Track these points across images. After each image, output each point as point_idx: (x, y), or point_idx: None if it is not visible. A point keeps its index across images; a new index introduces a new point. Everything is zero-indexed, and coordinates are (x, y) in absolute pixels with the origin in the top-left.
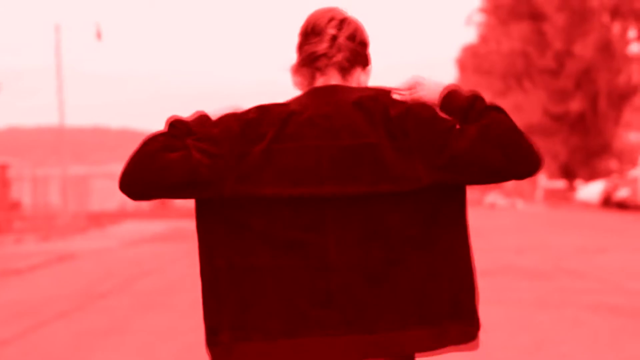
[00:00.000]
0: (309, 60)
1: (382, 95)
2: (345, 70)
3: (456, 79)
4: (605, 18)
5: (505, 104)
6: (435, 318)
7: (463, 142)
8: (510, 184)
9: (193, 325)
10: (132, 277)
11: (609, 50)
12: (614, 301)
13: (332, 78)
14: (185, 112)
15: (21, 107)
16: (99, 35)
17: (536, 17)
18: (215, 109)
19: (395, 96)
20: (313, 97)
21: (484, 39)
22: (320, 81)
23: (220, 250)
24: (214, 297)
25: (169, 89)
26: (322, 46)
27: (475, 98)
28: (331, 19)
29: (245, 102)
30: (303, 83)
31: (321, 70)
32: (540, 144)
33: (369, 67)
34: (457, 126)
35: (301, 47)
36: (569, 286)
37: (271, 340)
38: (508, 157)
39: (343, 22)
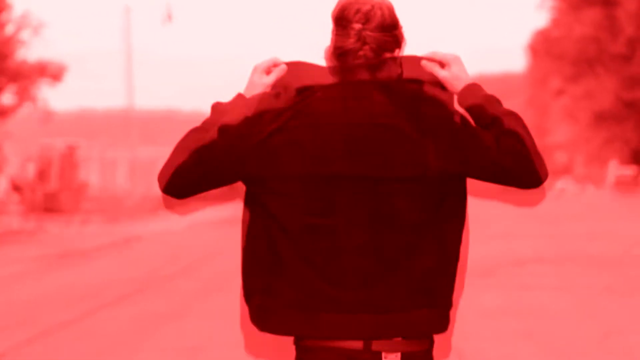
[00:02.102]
0: (337, 55)
1: (410, 80)
2: (374, 66)
3: (528, 64)
4: None
5: (576, 89)
6: (439, 300)
7: (479, 140)
8: (581, 170)
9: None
10: (197, 260)
11: None
12: None
13: (360, 73)
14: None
15: (91, 90)
16: (169, 17)
17: (608, 2)
18: (255, 68)
19: (423, 62)
20: (340, 85)
21: (555, 23)
22: (349, 75)
23: (252, 228)
24: (249, 264)
25: (243, 73)
26: (349, 41)
27: (495, 100)
28: (357, 11)
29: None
30: (334, 75)
31: (348, 63)
32: (612, 129)
33: (399, 50)
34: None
35: (333, 32)
36: (637, 273)
37: (292, 311)
38: (518, 164)
39: (369, 13)
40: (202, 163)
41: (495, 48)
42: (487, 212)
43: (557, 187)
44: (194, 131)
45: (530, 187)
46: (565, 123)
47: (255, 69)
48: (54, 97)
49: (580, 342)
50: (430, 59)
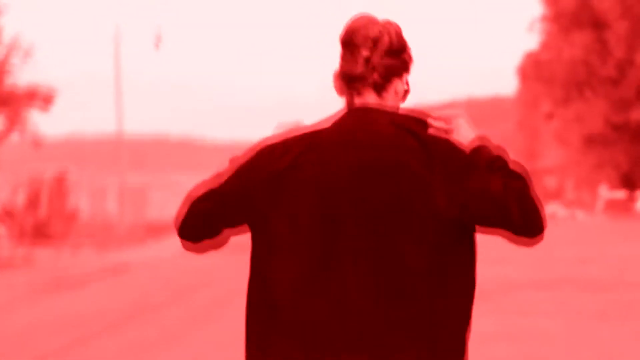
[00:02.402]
0: (346, 80)
1: (416, 118)
2: (380, 87)
3: (518, 87)
4: None
5: (566, 113)
6: (440, 348)
7: (486, 184)
8: (571, 194)
9: (243, 339)
10: (186, 288)
11: None
12: None
13: (368, 97)
14: (249, 123)
15: (81, 116)
16: (158, 42)
17: (598, 25)
18: (278, 126)
19: (430, 121)
20: (347, 117)
21: (545, 46)
22: (357, 101)
23: (254, 273)
24: (250, 312)
25: (233, 99)
26: (357, 68)
27: (502, 160)
28: (365, 38)
29: (308, 112)
30: (344, 99)
31: (358, 90)
32: (602, 153)
33: (406, 74)
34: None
35: (341, 58)
36: (631, 298)
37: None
38: (524, 216)
39: (377, 40)
40: (213, 202)
41: (486, 71)
42: (479, 237)
43: (547, 212)
44: (207, 180)
45: (531, 235)
46: (555, 147)
47: (278, 126)
48: (44, 123)
49: None
50: (437, 119)
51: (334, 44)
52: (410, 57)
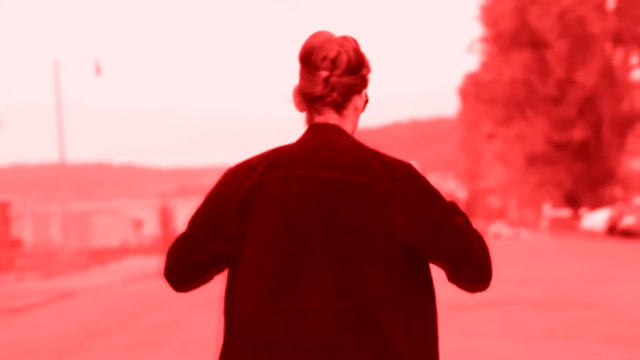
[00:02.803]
0: (305, 99)
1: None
2: (340, 105)
3: (458, 108)
4: (607, 45)
5: (507, 133)
6: None
7: (449, 214)
8: (514, 213)
9: None
10: (133, 314)
11: (611, 77)
12: (626, 332)
13: (328, 115)
14: (191, 149)
15: (24, 145)
16: (98, 71)
17: (537, 44)
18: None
19: None
20: (310, 134)
21: (485, 67)
22: (317, 119)
23: (225, 295)
24: (221, 339)
25: (173, 124)
26: (316, 88)
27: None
28: (324, 58)
29: (250, 136)
30: (304, 116)
31: (317, 110)
32: (544, 172)
33: (365, 90)
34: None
35: (300, 76)
36: (578, 317)
37: None
38: (481, 253)
39: (335, 60)
40: (188, 238)
41: (427, 93)
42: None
43: (491, 231)
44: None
45: (479, 282)
46: (498, 167)
47: None
48: None
49: None
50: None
51: (275, 68)
52: (368, 71)
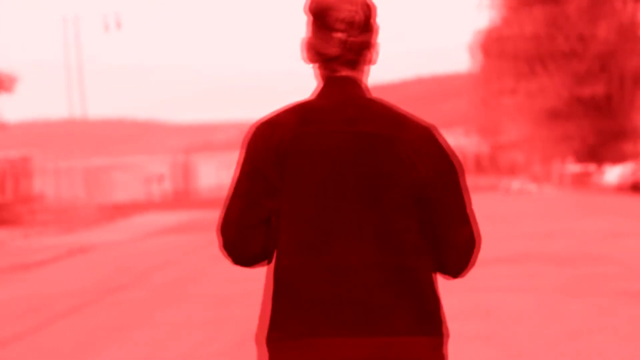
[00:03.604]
0: (321, 58)
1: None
2: (355, 62)
3: (477, 63)
4: (629, 0)
5: (528, 88)
6: (438, 328)
7: (459, 190)
8: (537, 168)
9: (210, 318)
10: (149, 269)
11: (631, 33)
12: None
13: (344, 72)
14: (207, 102)
15: (43, 101)
16: (117, 26)
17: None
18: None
19: None
20: (330, 88)
21: (506, 22)
22: (333, 73)
23: (275, 250)
24: (266, 293)
25: (195, 80)
26: (332, 50)
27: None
28: (338, 20)
29: (273, 91)
30: (316, 70)
31: (333, 68)
32: (565, 127)
33: (377, 45)
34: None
35: (312, 32)
36: (598, 272)
37: (293, 339)
38: (459, 256)
39: (350, 22)
40: (239, 201)
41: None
42: None
43: (513, 187)
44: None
45: (450, 271)
46: (518, 122)
47: None
48: (6, 108)
49: (546, 344)
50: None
51: (297, 20)
52: (377, 23)
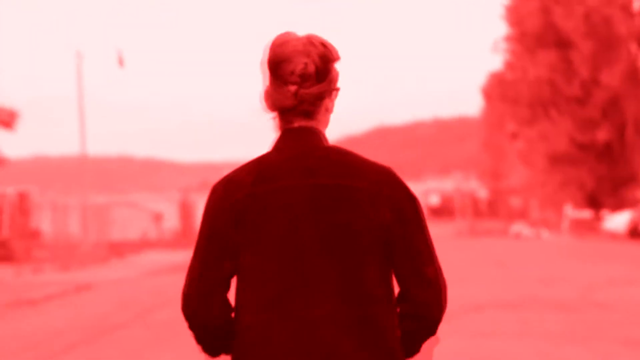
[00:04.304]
0: (277, 110)
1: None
2: (310, 113)
3: (482, 107)
4: (633, 46)
5: (531, 132)
6: None
7: (423, 232)
8: (536, 213)
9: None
10: (149, 308)
11: (636, 78)
12: None
13: (300, 122)
14: (212, 141)
15: (45, 137)
16: (120, 62)
17: (563, 45)
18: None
19: None
20: (286, 140)
21: (510, 66)
22: (289, 125)
23: (237, 309)
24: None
25: (195, 117)
26: (286, 102)
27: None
28: (292, 73)
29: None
30: (275, 122)
31: (288, 119)
32: (567, 173)
33: (336, 92)
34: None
35: (269, 83)
36: (598, 319)
37: None
38: (435, 294)
39: (303, 74)
40: (199, 265)
41: (451, 92)
42: (442, 257)
43: (512, 232)
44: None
45: (428, 311)
46: (521, 167)
47: None
48: (7, 144)
49: None
50: None
51: None
52: (335, 71)
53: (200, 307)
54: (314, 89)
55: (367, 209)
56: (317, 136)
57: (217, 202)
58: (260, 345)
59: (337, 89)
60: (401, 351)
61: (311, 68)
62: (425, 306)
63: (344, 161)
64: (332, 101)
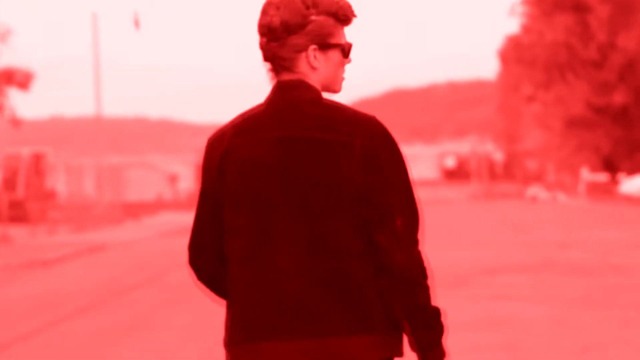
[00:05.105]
0: (264, 59)
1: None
2: (287, 67)
3: (499, 70)
4: None
5: (547, 96)
6: (378, 326)
7: (399, 180)
8: (553, 177)
9: (220, 321)
10: (162, 269)
11: None
12: None
13: (285, 75)
14: (226, 102)
15: (61, 98)
16: (137, 25)
17: (580, 8)
18: None
19: None
20: (273, 93)
21: (527, 30)
22: (279, 77)
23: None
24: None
25: (211, 80)
26: (263, 55)
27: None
28: (260, 26)
29: None
30: (269, 76)
31: (273, 71)
32: (583, 136)
33: (317, 43)
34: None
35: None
36: (616, 283)
37: (239, 344)
38: (401, 248)
39: (269, 25)
40: (198, 220)
41: (467, 54)
42: (457, 220)
43: (529, 194)
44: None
45: (394, 268)
46: (537, 130)
47: None
48: (23, 105)
49: (558, 356)
50: None
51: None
52: (318, 25)
53: (199, 260)
54: (281, 42)
55: (339, 161)
56: (301, 89)
57: (206, 157)
58: (240, 297)
59: (327, 43)
60: (381, 309)
61: (276, 20)
62: (391, 259)
63: (323, 114)
64: (324, 55)
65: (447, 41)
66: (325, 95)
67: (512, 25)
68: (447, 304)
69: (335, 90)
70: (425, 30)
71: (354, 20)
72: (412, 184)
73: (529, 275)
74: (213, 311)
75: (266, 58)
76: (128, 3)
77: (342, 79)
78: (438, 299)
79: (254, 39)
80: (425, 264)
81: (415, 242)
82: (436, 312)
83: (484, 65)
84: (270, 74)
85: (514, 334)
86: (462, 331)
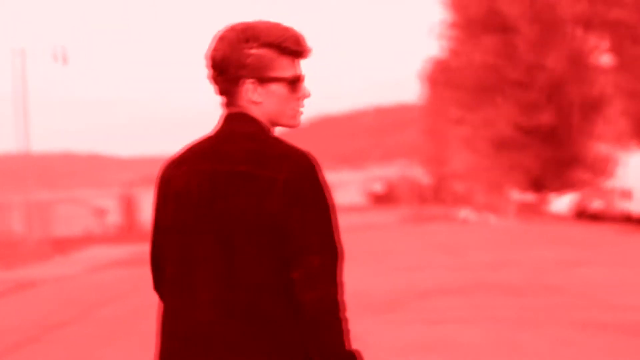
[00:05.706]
0: (214, 91)
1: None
2: (229, 100)
3: (425, 93)
4: (577, 30)
5: (475, 118)
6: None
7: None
8: (482, 198)
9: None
10: (94, 304)
11: (580, 62)
12: (601, 318)
13: (231, 108)
14: (155, 137)
15: None
16: (63, 60)
17: (507, 29)
18: None
19: None
20: (218, 124)
21: (454, 53)
22: (228, 108)
23: None
24: None
25: (137, 113)
26: (214, 86)
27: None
28: (207, 57)
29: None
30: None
31: (223, 104)
32: (511, 157)
33: (255, 79)
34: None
35: None
36: (549, 302)
37: None
38: (311, 283)
39: (213, 59)
40: (151, 243)
41: (389, 79)
42: (388, 244)
43: (460, 217)
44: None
45: (306, 301)
46: (464, 152)
47: None
48: None
49: None
50: None
51: None
52: (257, 59)
53: (155, 284)
54: (222, 76)
55: (262, 196)
56: (241, 122)
57: (156, 184)
58: (164, 326)
59: (266, 77)
60: (297, 346)
61: (219, 55)
62: (303, 298)
63: (255, 149)
64: (264, 89)
65: (370, 67)
66: (279, 129)
67: (431, 48)
68: (380, 329)
69: (288, 125)
70: (349, 57)
71: (309, 52)
72: (334, 223)
73: (462, 298)
74: (147, 346)
75: (215, 90)
76: (54, 37)
77: (296, 112)
78: (371, 324)
79: (180, 72)
80: (342, 305)
81: (331, 282)
82: (350, 357)
83: (406, 89)
84: (222, 105)
85: (450, 357)
86: (397, 357)
